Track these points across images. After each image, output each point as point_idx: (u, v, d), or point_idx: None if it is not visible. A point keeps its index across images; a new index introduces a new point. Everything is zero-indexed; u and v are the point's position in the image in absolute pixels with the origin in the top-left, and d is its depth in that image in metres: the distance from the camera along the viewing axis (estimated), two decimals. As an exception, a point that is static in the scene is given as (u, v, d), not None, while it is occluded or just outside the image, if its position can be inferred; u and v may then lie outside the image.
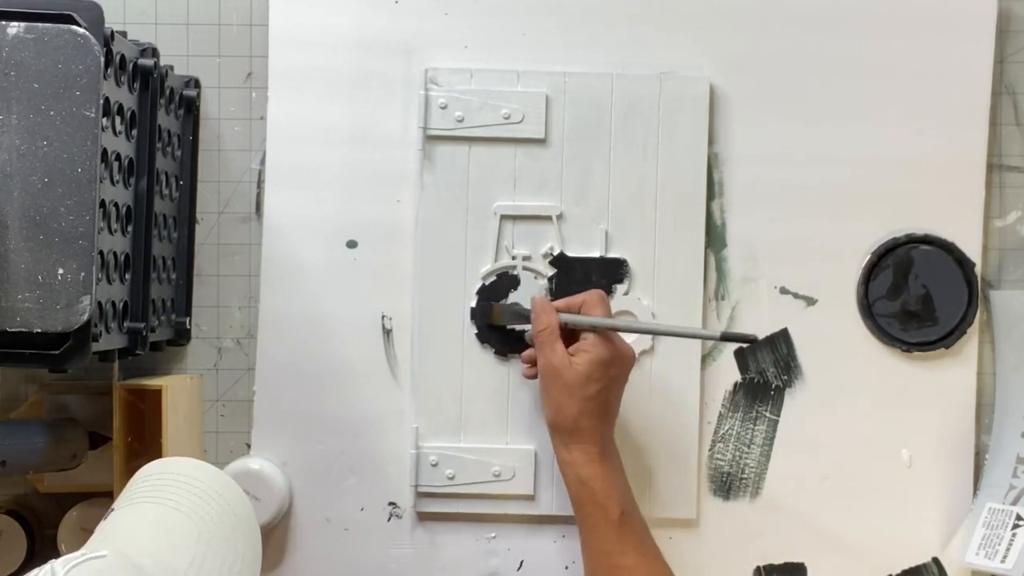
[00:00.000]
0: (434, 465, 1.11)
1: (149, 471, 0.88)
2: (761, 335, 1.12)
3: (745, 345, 1.09)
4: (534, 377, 1.06)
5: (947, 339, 1.11)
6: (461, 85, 1.11)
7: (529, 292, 1.10)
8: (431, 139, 1.11)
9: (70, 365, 0.89)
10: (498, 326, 1.10)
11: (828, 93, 1.12)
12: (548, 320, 1.03)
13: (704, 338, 1.09)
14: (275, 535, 1.11)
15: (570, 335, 1.03)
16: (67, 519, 1.09)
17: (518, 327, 1.09)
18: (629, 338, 1.06)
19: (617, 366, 1.02)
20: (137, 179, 1.00)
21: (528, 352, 1.08)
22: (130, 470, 1.04)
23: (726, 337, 1.01)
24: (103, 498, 1.08)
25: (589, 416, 1.01)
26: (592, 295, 1.04)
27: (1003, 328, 1.12)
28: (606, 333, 1.02)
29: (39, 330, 0.87)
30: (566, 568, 1.12)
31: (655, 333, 1.09)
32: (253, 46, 1.12)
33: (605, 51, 1.12)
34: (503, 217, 1.11)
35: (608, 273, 1.11)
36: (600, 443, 1.01)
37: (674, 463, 1.11)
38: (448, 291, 1.11)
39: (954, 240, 1.12)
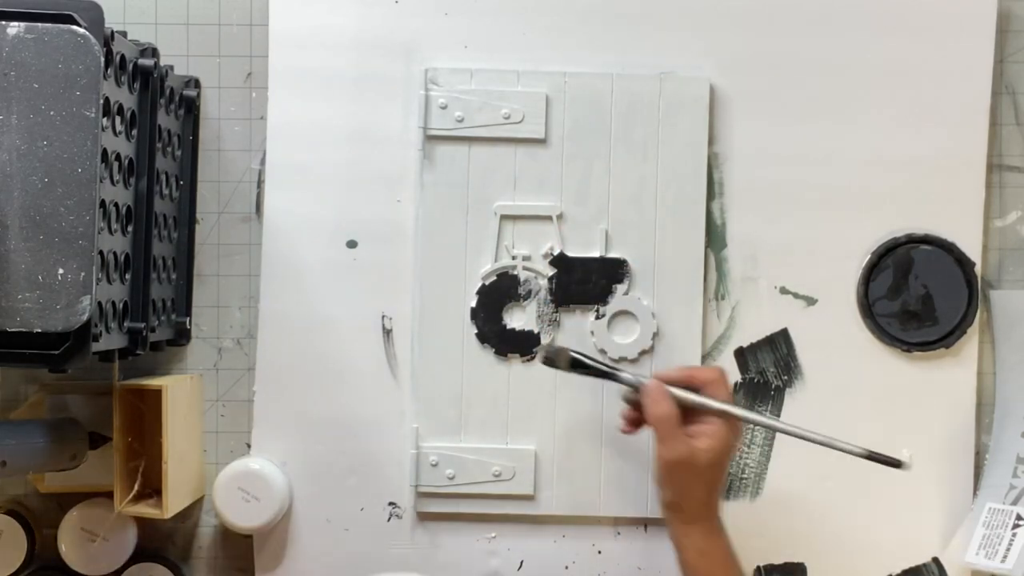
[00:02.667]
0: (434, 465, 1.11)
1: None
2: (761, 335, 1.12)
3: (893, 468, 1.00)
4: (632, 434, 1.04)
5: (947, 339, 1.11)
6: (461, 85, 1.11)
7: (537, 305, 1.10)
8: (431, 139, 1.11)
9: (70, 365, 0.89)
10: (561, 368, 1.05)
11: (828, 93, 1.12)
12: (666, 409, 0.98)
13: (848, 452, 1.00)
14: (275, 535, 1.11)
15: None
16: (67, 519, 1.09)
17: (589, 374, 1.04)
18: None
19: (736, 447, 1.01)
20: (137, 179, 1.00)
21: (630, 415, 1.03)
22: (130, 470, 1.04)
23: (872, 457, 0.97)
24: (103, 498, 1.08)
25: (713, 493, 1.00)
26: (714, 373, 1.01)
27: (1003, 328, 1.12)
28: (728, 424, 0.99)
29: (39, 330, 0.87)
30: (566, 568, 1.12)
31: (792, 435, 1.01)
32: (253, 46, 1.12)
33: (605, 51, 1.12)
34: (503, 217, 1.11)
35: (608, 273, 1.11)
36: (718, 516, 1.01)
37: (674, 463, 1.11)
38: (448, 291, 1.11)
39: (954, 240, 1.12)
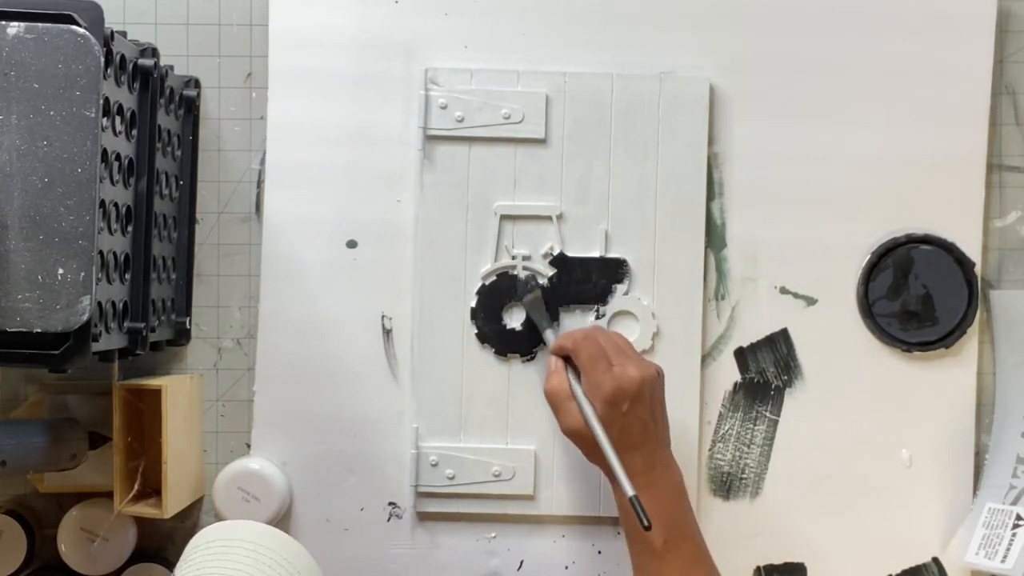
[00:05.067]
0: (434, 465, 1.11)
1: (211, 537, 0.86)
2: (761, 335, 1.12)
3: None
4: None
5: (947, 339, 1.11)
6: (461, 85, 1.11)
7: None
8: (431, 139, 1.11)
9: (70, 365, 0.88)
10: (526, 310, 1.10)
11: (828, 93, 1.12)
12: (557, 382, 1.02)
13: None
14: (275, 535, 1.11)
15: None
16: (67, 519, 1.09)
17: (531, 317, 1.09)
18: (635, 337, 1.06)
19: (623, 399, 0.98)
20: (137, 179, 1.00)
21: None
22: (130, 470, 1.04)
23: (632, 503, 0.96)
24: (103, 498, 1.08)
25: (620, 451, 0.98)
26: (574, 341, 1.02)
27: (1003, 328, 1.12)
28: (601, 373, 0.99)
29: (39, 330, 0.87)
30: (566, 568, 1.12)
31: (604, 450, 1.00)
32: (253, 46, 1.12)
33: (605, 51, 1.12)
34: (503, 217, 1.11)
35: (608, 273, 1.11)
36: (640, 472, 0.98)
37: (674, 463, 1.11)
38: (448, 291, 1.11)
39: (954, 240, 1.12)
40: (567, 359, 1.04)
